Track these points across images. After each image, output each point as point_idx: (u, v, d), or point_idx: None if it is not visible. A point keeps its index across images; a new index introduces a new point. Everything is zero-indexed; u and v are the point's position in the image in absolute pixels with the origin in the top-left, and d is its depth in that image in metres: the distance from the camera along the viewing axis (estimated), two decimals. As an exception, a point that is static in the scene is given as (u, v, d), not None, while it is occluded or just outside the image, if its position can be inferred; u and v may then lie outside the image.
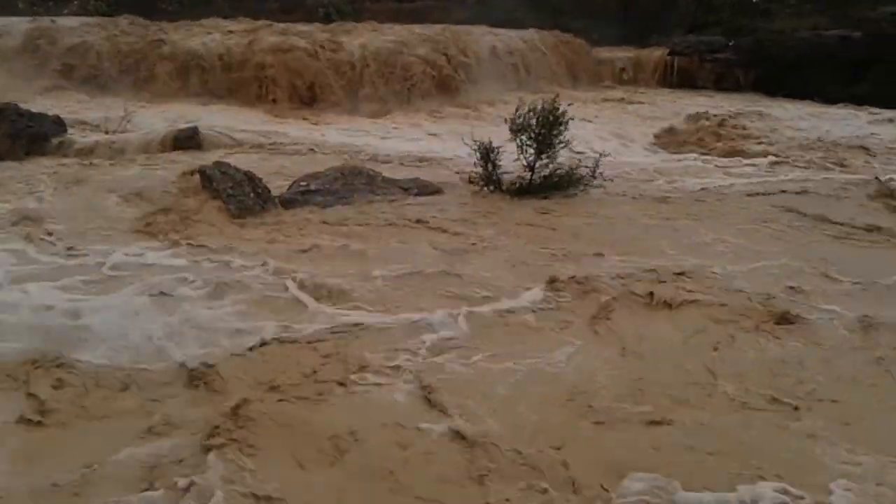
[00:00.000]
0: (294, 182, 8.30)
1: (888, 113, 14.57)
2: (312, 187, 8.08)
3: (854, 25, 17.87)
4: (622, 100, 16.83)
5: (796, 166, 10.26)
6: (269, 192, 7.71)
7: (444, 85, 16.23)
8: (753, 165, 10.37)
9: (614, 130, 13.46)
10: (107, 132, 11.29)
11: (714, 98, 16.96)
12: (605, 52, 19.22)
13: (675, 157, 11.25)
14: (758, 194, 8.57)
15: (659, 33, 19.56)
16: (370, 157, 10.72)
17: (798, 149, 11.44)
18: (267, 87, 15.05)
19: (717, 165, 10.46)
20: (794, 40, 17.76)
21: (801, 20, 18.77)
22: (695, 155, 11.22)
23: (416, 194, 8.26)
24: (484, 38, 17.83)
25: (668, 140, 12.51)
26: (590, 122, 13.67)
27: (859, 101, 15.80)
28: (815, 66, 17.02)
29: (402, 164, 10.35)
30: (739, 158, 10.82)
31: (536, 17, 19.87)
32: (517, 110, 8.37)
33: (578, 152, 9.26)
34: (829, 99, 16.24)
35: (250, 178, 7.68)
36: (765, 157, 10.78)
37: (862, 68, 16.70)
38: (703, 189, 8.93)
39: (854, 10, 18.92)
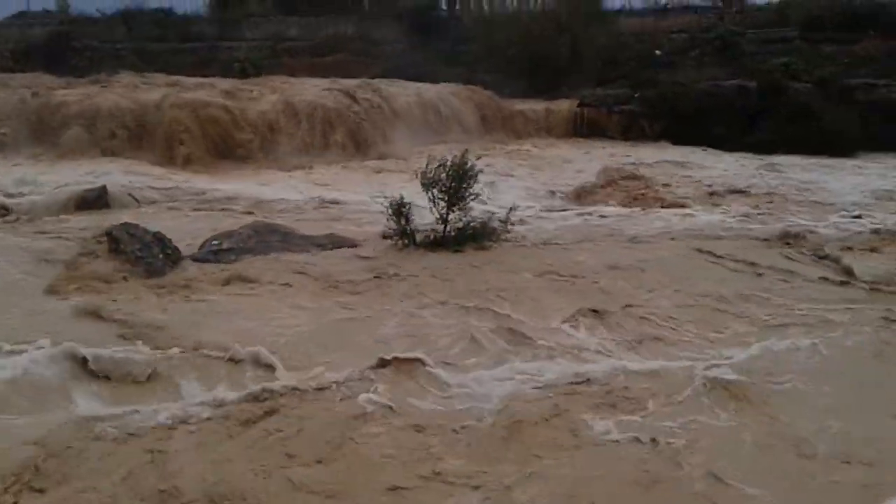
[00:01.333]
0: (206, 241, 8.22)
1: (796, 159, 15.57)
2: (225, 246, 8.02)
3: (749, 76, 18.91)
4: (535, 151, 17.18)
5: (705, 212, 10.75)
6: (180, 252, 7.61)
7: (360, 138, 16.37)
8: (667, 213, 10.75)
9: (528, 182, 13.79)
10: (9, 195, 10.91)
11: (623, 148, 17.49)
12: (517, 105, 19.68)
13: (588, 208, 11.57)
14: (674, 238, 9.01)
15: (568, 87, 20.21)
16: (285, 212, 10.70)
17: (704, 195, 12.04)
18: (180, 143, 14.78)
19: (625, 215, 10.77)
20: (695, 91, 18.63)
21: (700, 72, 19.72)
22: (605, 206, 11.57)
23: (332, 249, 8.30)
24: (400, 91, 18.12)
25: (581, 191, 12.90)
26: (503, 173, 13.98)
27: (756, 148, 16.61)
28: (715, 115, 17.90)
29: (318, 219, 10.36)
30: (651, 207, 11.23)
31: (449, 71, 20.32)
32: (427, 165, 8.53)
33: (488, 204, 9.52)
34: (730, 146, 17.02)
35: (159, 238, 7.58)
36: (677, 206, 11.24)
37: (758, 116, 17.67)
38: (611, 235, 9.29)
39: (748, 61, 20.06)
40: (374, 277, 7.22)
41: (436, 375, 5.01)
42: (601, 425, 4.38)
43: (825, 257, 8.23)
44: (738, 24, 22.51)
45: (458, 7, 29.10)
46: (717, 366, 5.21)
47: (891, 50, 20.02)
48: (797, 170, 14.68)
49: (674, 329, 5.98)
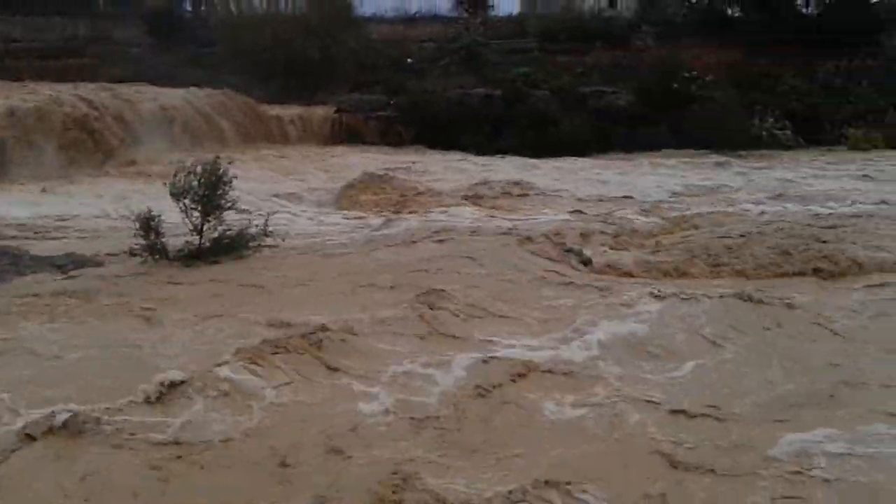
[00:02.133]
0: None
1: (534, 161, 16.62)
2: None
3: (494, 85, 20.02)
4: (293, 157, 16.98)
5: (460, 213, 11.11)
6: None
7: (103, 147, 15.12)
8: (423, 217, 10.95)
9: (285, 188, 13.55)
10: None
11: (382, 153, 17.75)
12: (272, 110, 19.28)
13: (349, 214, 11.56)
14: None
15: (323, 91, 20.19)
16: (16, 229, 9.63)
17: (460, 198, 12.50)
18: None
19: (385, 219, 10.88)
20: (445, 99, 19.38)
21: (449, 80, 20.54)
22: (366, 212, 11.61)
23: (73, 269, 7.56)
24: (144, 96, 17.00)
25: (342, 198, 12.89)
26: (259, 180, 13.62)
27: (504, 152, 17.63)
28: (464, 122, 18.77)
29: (56, 236, 9.43)
30: (409, 211, 11.44)
31: (197, 74, 19.40)
32: (176, 174, 8.05)
33: (246, 211, 9.17)
34: (481, 150, 17.90)
35: None
36: (437, 207, 11.54)
37: (503, 123, 18.78)
38: (370, 241, 9.31)
39: (492, 71, 21.23)
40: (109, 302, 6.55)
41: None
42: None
43: (570, 251, 8.88)
44: (482, 34, 23.67)
45: (203, 8, 27.99)
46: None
47: (616, 60, 22.13)
48: (541, 171, 15.69)
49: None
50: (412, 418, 4.38)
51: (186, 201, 7.92)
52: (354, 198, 12.79)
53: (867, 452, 3.99)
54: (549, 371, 5.13)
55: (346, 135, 19.30)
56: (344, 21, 22.96)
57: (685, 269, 8.17)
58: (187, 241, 7.99)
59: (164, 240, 7.84)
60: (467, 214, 11.11)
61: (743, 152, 17.92)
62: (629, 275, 7.95)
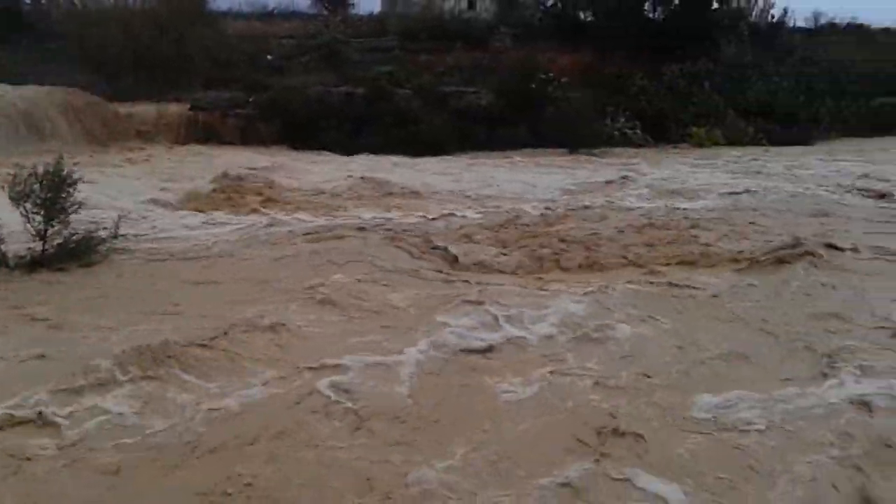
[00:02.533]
0: None
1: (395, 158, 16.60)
2: None
3: (356, 83, 19.90)
4: (147, 157, 16.17)
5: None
6: None
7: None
8: (286, 217, 10.69)
9: (138, 189, 12.88)
10: None
11: (241, 152, 17.15)
12: (124, 108, 18.31)
13: (204, 216, 11.09)
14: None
15: (177, 88, 19.38)
16: None
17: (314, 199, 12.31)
18: None
19: (248, 221, 10.55)
20: (306, 96, 19.07)
21: (310, 77, 20.24)
22: (225, 213, 11.19)
23: None
24: (-24, 93, 15.74)
25: (197, 199, 12.38)
26: (109, 182, 12.89)
27: (367, 150, 17.54)
28: (326, 120, 18.53)
29: None
30: (271, 211, 11.15)
31: (39, 71, 18.13)
32: (15, 177, 7.50)
33: (94, 214, 8.68)
34: (343, 149, 17.72)
35: None
36: (296, 209, 11.29)
37: (366, 121, 18.68)
38: (229, 243, 9.00)
39: (354, 69, 21.11)
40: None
41: None
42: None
43: (437, 248, 8.94)
44: (342, 32, 23.49)
45: (43, 1, 26.26)
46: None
47: (476, 61, 22.53)
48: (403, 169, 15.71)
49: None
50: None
51: (28, 205, 7.42)
52: (211, 198, 12.32)
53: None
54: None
55: (202, 133, 18.60)
56: (196, 15, 22.13)
57: (558, 265, 8.41)
58: (30, 248, 7.49)
59: (3, 247, 7.31)
60: (328, 214, 10.98)
61: (597, 151, 18.67)
62: (499, 271, 8.09)
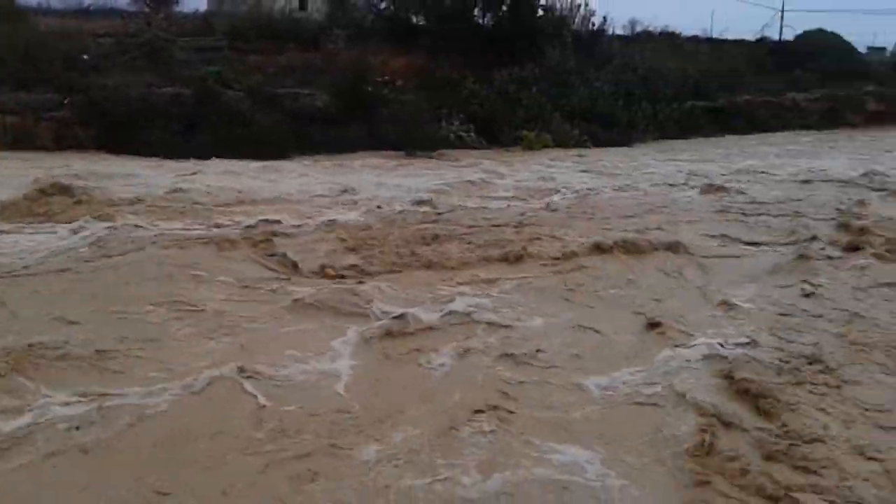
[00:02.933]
0: None
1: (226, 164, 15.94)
2: None
3: (184, 83, 19.03)
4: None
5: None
6: None
7: None
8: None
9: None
10: None
11: (57, 159, 15.94)
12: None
13: (19, 228, 10.21)
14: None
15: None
16: None
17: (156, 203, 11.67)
18: None
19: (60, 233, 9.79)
20: (129, 98, 18.03)
21: (132, 77, 19.14)
22: (41, 224, 10.33)
23: None
24: None
25: (10, 210, 11.36)
26: None
27: (198, 154, 16.75)
28: (152, 122, 17.59)
29: None
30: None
31: None
32: None
33: None
34: (172, 153, 16.82)
35: None
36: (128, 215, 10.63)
37: (195, 123, 17.89)
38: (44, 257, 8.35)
39: (180, 69, 20.18)
40: None
41: None
42: None
43: (273, 255, 8.72)
44: (166, 30, 22.40)
45: None
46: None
47: (309, 62, 22.20)
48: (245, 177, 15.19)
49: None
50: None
51: None
52: (25, 209, 11.35)
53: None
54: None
55: (11, 139, 17.11)
56: (4, 11, 20.41)
57: (400, 266, 8.45)
58: None
59: None
60: (158, 221, 10.43)
61: (433, 153, 18.91)
62: (341, 277, 8.00)
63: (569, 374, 5.60)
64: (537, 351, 6.00)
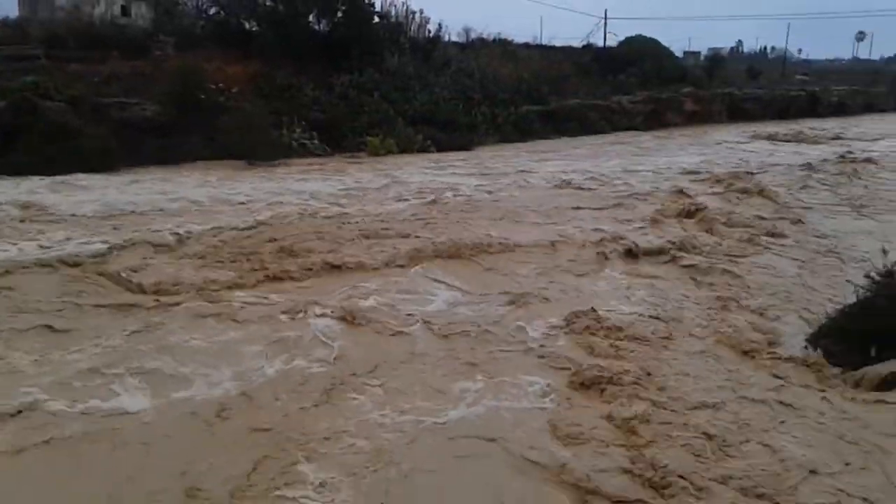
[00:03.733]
0: None
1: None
2: None
3: (-2, 95, 17.46)
4: None
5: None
6: None
7: None
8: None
9: None
10: None
11: None
12: None
13: None
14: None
15: None
16: None
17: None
18: None
19: None
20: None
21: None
22: None
23: None
24: None
25: None
26: None
27: (19, 169, 15.40)
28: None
29: None
30: None
31: None
32: None
33: None
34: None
35: None
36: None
37: (12, 137, 16.38)
38: None
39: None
40: None
41: None
42: None
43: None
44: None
45: None
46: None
47: (136, 70, 21.02)
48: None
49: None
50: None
51: None
52: None
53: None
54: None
55: None
56: None
57: (239, 281, 8.13)
58: None
59: None
60: None
61: (275, 162, 18.35)
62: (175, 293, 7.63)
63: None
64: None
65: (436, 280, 8.43)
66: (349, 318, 7.00)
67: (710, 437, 4.89)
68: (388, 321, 7.04)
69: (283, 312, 7.14)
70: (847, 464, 4.59)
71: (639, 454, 4.67)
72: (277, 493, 4.26)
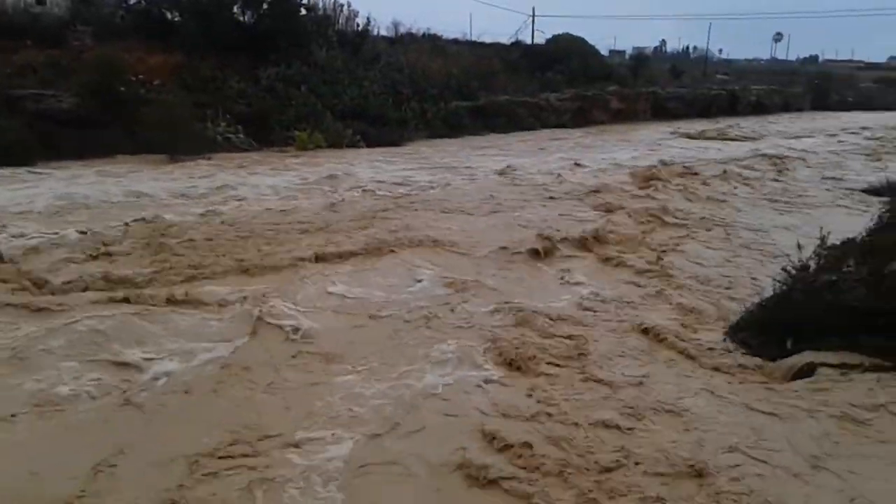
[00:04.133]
0: None
1: None
2: None
3: None
4: None
5: None
6: None
7: None
8: None
9: None
10: None
11: None
12: None
13: None
14: None
15: None
16: None
17: None
18: None
19: None
20: None
21: None
22: None
23: None
24: None
25: None
26: None
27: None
28: None
29: None
30: None
31: None
32: None
33: None
34: None
35: None
36: None
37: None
38: None
39: None
40: None
41: None
42: None
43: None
44: None
45: None
46: None
47: (52, 60, 20.20)
48: None
49: None
50: None
51: None
52: None
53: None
54: None
55: None
56: None
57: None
58: None
59: None
60: None
61: (199, 156, 17.87)
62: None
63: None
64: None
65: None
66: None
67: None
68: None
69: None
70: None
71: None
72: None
